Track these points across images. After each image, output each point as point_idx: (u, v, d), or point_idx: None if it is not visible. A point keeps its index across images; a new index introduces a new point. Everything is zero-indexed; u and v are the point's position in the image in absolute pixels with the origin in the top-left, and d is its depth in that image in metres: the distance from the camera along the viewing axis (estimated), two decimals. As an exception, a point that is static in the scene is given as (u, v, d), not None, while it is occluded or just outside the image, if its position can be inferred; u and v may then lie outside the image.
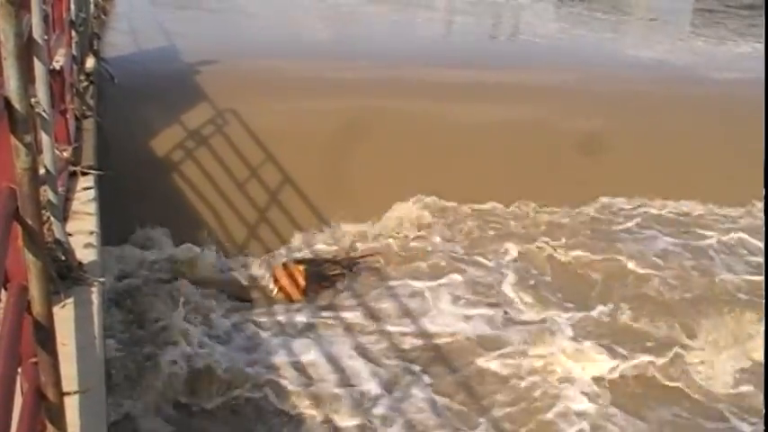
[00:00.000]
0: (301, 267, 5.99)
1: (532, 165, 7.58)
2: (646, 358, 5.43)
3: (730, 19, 14.81)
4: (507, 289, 6.19)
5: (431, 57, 9.64)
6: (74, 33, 5.76)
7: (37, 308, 1.89)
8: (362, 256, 6.49)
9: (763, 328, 5.62)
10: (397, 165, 7.26)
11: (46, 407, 1.97)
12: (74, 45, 5.72)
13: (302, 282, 5.91)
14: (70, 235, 3.53)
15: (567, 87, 8.70)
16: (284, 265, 6.10)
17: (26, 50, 2.33)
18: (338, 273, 6.22)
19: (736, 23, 14.35)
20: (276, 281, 5.97)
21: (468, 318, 5.80)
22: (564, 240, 6.90)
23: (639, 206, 7.68)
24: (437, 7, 14.46)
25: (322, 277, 6.12)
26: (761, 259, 6.94)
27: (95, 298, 3.22)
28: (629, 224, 7.38)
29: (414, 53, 9.85)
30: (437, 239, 6.80)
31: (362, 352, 5.30)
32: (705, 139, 8.19)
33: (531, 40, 12.03)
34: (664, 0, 17.44)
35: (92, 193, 4.30)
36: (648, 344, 5.63)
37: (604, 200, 7.65)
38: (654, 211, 7.62)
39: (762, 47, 11.67)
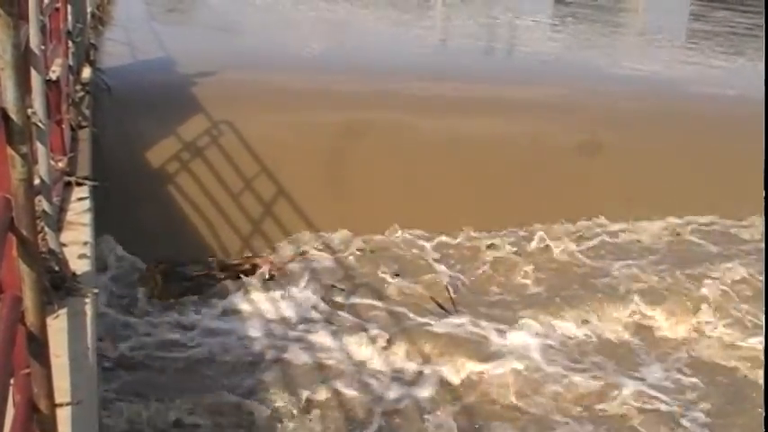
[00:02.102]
0: (161, 266, 6.19)
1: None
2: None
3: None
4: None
5: (426, 71, 9.66)
6: (70, 44, 5.76)
7: (31, 318, 1.88)
8: (240, 264, 6.48)
9: (763, 327, 5.63)
10: (389, 180, 7.28)
11: (38, 419, 1.96)
12: (70, 55, 5.72)
13: (159, 280, 6.08)
14: (64, 245, 3.51)
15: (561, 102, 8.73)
16: None
17: (23, 61, 2.33)
18: (203, 274, 6.25)
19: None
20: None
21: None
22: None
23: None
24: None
25: (183, 278, 6.20)
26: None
27: (89, 309, 3.20)
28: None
29: (410, 67, 9.87)
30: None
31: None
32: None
33: (529, 56, 12.10)
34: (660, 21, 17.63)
35: (86, 204, 4.29)
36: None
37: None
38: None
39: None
